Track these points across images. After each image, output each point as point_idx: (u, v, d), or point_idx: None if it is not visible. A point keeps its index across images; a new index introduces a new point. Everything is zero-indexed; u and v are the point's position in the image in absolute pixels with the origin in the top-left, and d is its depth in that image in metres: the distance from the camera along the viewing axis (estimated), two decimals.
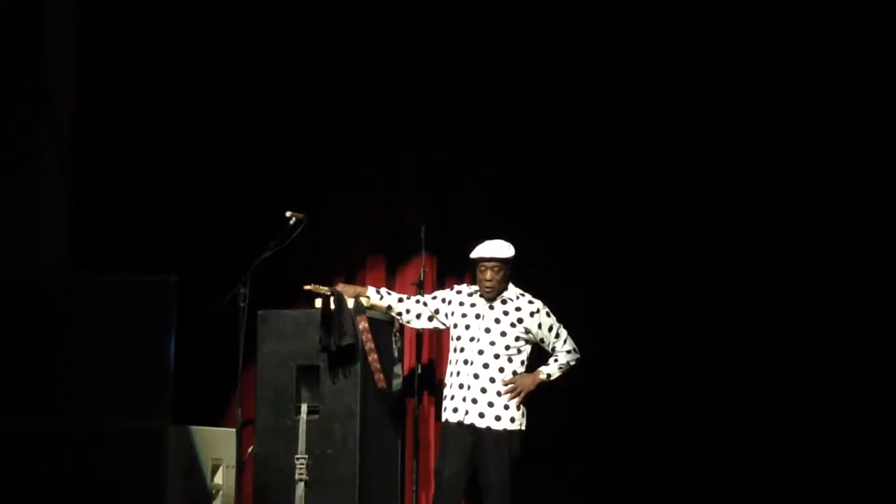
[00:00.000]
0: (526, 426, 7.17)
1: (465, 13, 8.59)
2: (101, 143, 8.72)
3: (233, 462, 7.75)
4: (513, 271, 7.24)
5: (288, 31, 8.79)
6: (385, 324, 7.65)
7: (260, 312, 7.57)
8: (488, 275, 7.19)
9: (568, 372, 7.25)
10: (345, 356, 7.37)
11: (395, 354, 7.57)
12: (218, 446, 7.92)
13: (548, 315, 7.25)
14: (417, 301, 7.47)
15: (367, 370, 7.40)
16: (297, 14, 8.77)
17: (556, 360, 7.23)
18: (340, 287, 7.41)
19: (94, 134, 8.69)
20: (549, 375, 7.20)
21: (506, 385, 7.11)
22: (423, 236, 7.99)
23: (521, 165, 8.41)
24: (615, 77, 8.40)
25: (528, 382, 7.16)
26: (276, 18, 8.80)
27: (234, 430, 7.57)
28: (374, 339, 7.43)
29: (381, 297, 7.45)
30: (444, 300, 7.39)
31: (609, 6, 8.40)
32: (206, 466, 7.86)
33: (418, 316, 7.43)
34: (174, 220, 8.75)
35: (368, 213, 8.62)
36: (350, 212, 8.66)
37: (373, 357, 7.40)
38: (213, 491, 7.93)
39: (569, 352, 7.24)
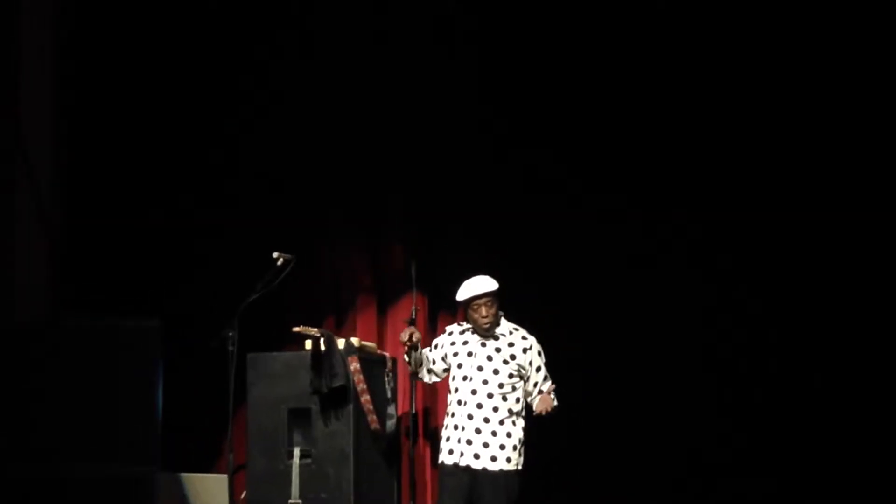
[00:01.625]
0: (523, 465, 7.04)
1: (451, 40, 8.55)
2: (80, 184, 8.63)
3: None
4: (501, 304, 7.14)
5: (264, 60, 8.73)
6: (377, 364, 7.56)
7: (249, 355, 7.49)
8: (484, 311, 7.08)
9: (380, 373, 7.12)
10: (336, 398, 7.29)
11: (388, 395, 7.48)
12: (209, 493, 7.80)
13: (539, 354, 7.15)
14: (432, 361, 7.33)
15: (359, 411, 7.31)
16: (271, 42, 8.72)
17: (550, 394, 7.07)
18: (546, 406, 7.09)
19: (73, 174, 8.62)
20: (554, 399, 7.06)
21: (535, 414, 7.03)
22: (413, 273, 7.87)
23: (507, 199, 8.34)
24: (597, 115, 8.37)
25: (549, 406, 7.02)
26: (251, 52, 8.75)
27: (225, 476, 7.43)
28: (367, 380, 7.35)
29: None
30: (437, 346, 7.28)
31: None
32: None
33: (433, 372, 7.29)
34: (160, 264, 8.62)
35: (357, 253, 8.53)
36: (338, 252, 8.57)
37: (365, 398, 7.32)
38: None
39: (554, 388, 7.11)
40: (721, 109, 8.23)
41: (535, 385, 7.09)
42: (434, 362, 7.23)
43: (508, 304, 7.27)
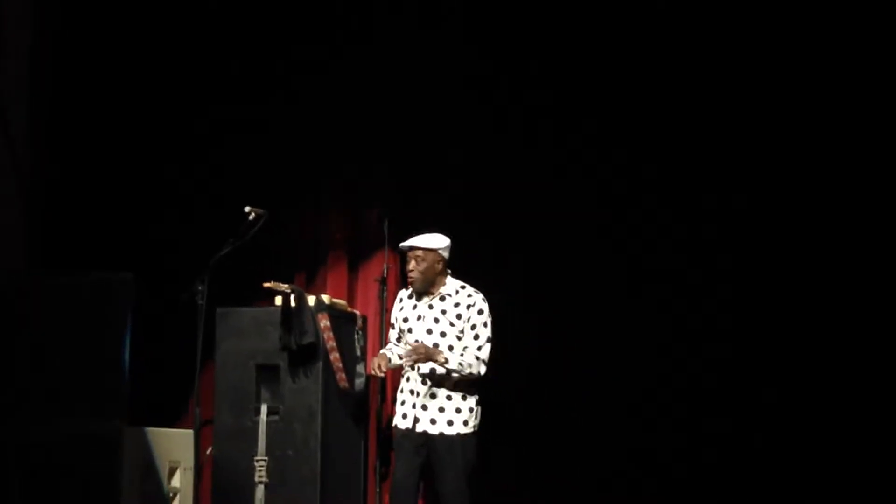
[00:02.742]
0: (479, 428, 6.98)
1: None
2: (56, 140, 8.56)
3: (191, 464, 7.57)
4: (444, 264, 7.05)
5: (253, 30, 8.64)
6: (347, 321, 7.52)
7: (219, 310, 7.43)
8: (411, 264, 7.03)
9: (461, 375, 6.90)
10: (305, 355, 7.23)
11: (358, 353, 7.45)
12: (175, 448, 7.76)
13: (479, 313, 6.97)
14: (398, 339, 7.23)
15: (328, 369, 7.26)
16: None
17: (461, 355, 6.92)
18: (420, 348, 6.95)
19: (49, 132, 8.53)
20: (446, 360, 6.88)
21: (407, 351, 6.90)
22: (386, 231, 7.85)
23: (484, 163, 8.28)
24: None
25: (426, 353, 6.89)
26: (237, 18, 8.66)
27: (191, 431, 7.37)
28: (336, 338, 7.30)
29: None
30: (393, 326, 7.23)
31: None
32: (163, 469, 7.70)
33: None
34: (132, 218, 8.59)
35: (330, 210, 8.48)
36: (311, 208, 8.52)
37: (334, 356, 7.27)
38: (171, 494, 7.76)
39: (477, 358, 6.92)
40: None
41: (465, 347, 6.94)
42: (399, 337, 7.19)
43: (481, 272, 7.27)
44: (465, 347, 6.93)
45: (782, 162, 8.01)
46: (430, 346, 6.92)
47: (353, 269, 8.35)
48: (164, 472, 7.69)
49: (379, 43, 8.48)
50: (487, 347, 6.95)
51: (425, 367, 6.92)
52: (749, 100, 8.05)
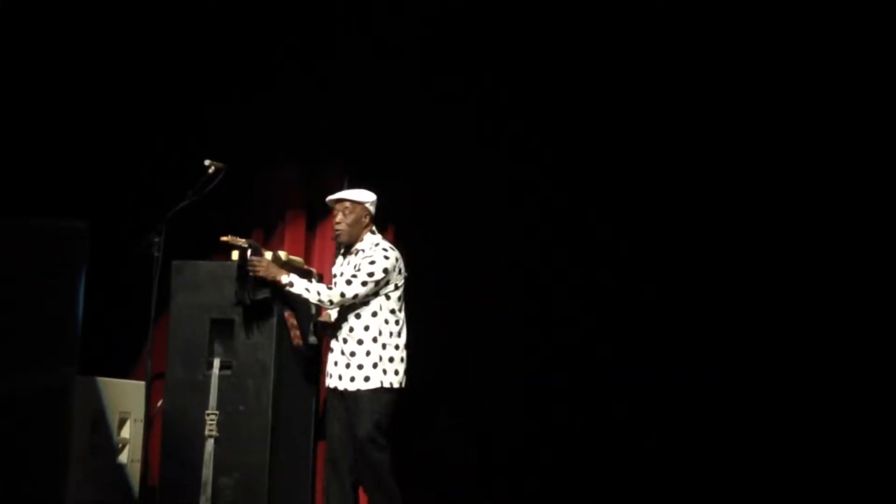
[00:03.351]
0: (397, 382, 6.94)
1: None
2: (13, 78, 8.43)
3: (141, 416, 7.55)
4: (370, 219, 7.06)
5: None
6: (303, 277, 7.49)
7: (174, 263, 7.38)
8: (338, 217, 7.04)
9: (307, 301, 6.97)
10: (260, 310, 7.20)
11: (312, 311, 7.41)
12: (126, 399, 7.74)
13: (371, 263, 6.89)
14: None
15: (282, 325, 7.24)
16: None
17: (314, 282, 6.99)
18: (262, 264, 7.07)
19: (6, 72, 8.41)
20: (291, 283, 6.92)
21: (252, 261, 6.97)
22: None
23: (441, 128, 8.33)
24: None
25: (266, 272, 6.97)
26: None
27: (143, 383, 7.36)
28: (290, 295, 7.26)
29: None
30: (332, 276, 7.25)
31: None
32: (114, 419, 7.69)
33: None
34: (89, 168, 8.51)
35: (290, 167, 8.47)
36: (271, 164, 8.49)
37: (289, 313, 7.25)
38: (120, 445, 7.76)
39: (330, 289, 6.93)
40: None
41: (333, 279, 6.98)
42: None
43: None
44: (334, 280, 7.00)
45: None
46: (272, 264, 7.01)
47: (311, 226, 8.36)
48: (114, 423, 7.67)
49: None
50: (352, 286, 6.87)
51: (337, 323, 6.98)
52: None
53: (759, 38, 8.06)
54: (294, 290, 6.93)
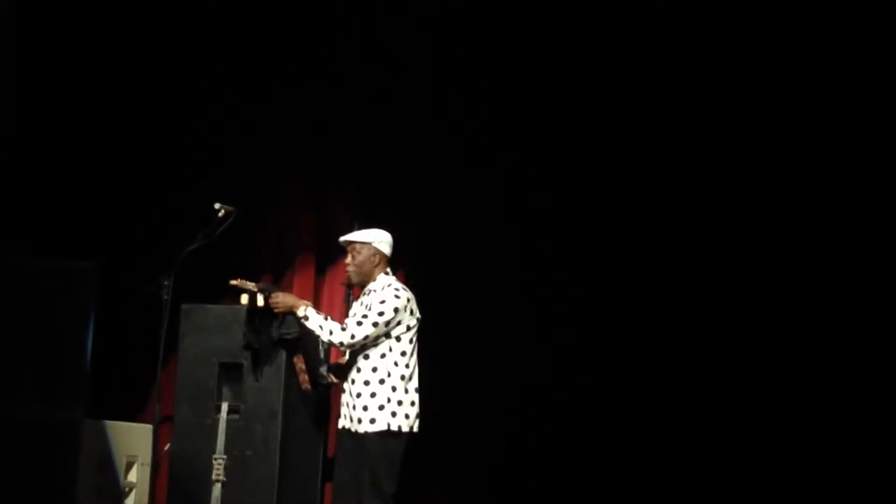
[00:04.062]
0: (406, 426, 6.84)
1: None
2: (22, 117, 8.46)
3: (148, 459, 7.54)
4: (382, 258, 7.02)
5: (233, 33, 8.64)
6: None
7: (183, 306, 7.38)
8: (348, 258, 7.04)
9: (319, 338, 6.92)
10: (268, 355, 7.19)
11: (322, 356, 7.40)
12: (133, 443, 7.73)
13: (381, 303, 6.84)
14: None
15: (291, 370, 7.22)
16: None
17: (327, 320, 6.92)
18: (279, 296, 7.11)
19: (13, 107, 8.44)
20: (306, 317, 6.90)
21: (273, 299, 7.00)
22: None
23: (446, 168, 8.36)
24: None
25: (284, 300, 7.00)
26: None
27: (150, 426, 7.35)
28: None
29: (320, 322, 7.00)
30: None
31: None
32: (121, 463, 7.67)
33: None
34: (101, 209, 8.54)
35: (299, 211, 8.49)
36: (281, 209, 8.52)
37: (297, 357, 7.23)
38: (127, 489, 7.73)
39: (343, 329, 6.83)
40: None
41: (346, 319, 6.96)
42: None
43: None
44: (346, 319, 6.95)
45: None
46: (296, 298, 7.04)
47: (321, 271, 8.38)
48: (121, 466, 7.66)
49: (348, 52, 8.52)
50: (363, 326, 6.80)
51: (348, 364, 6.96)
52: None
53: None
54: (309, 324, 6.92)
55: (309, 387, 7.27)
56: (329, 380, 7.26)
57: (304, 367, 7.25)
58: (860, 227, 7.92)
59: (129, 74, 8.65)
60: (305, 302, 7.03)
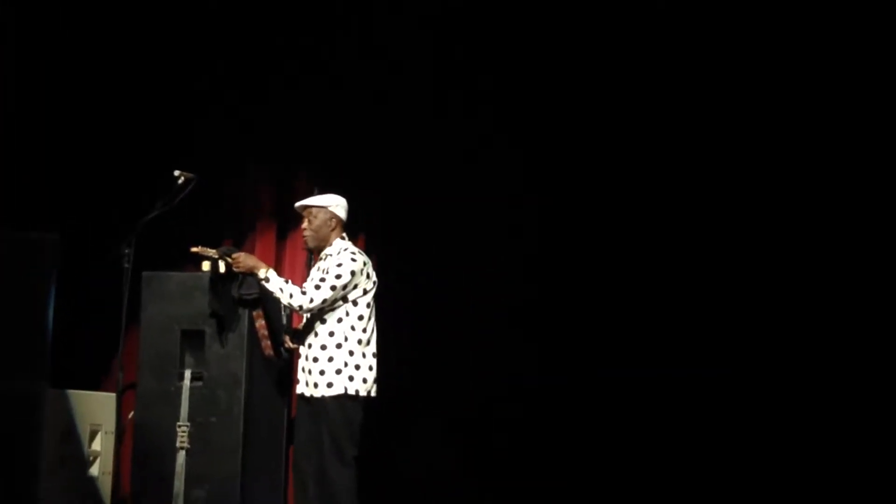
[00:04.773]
0: (364, 390, 6.88)
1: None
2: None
3: (112, 428, 7.55)
4: (338, 223, 7.06)
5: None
6: None
7: (144, 274, 7.35)
8: (304, 223, 7.07)
9: (279, 301, 6.95)
10: (231, 321, 7.18)
11: (284, 321, 7.40)
12: (97, 411, 7.71)
13: (338, 265, 6.86)
14: None
15: (253, 336, 7.22)
16: None
17: (289, 283, 6.92)
18: (240, 256, 7.11)
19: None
20: (267, 279, 6.89)
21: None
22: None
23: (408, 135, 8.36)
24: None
25: (245, 261, 7.01)
26: None
27: (114, 394, 7.36)
28: (263, 305, 7.25)
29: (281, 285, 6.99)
30: None
31: None
32: (84, 432, 7.65)
33: None
34: (60, 175, 8.47)
35: (260, 176, 8.47)
36: (241, 173, 8.49)
37: (260, 323, 7.23)
38: (91, 457, 7.72)
39: (303, 293, 6.84)
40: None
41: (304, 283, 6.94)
42: None
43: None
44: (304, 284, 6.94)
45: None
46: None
47: (282, 237, 8.36)
48: (84, 435, 7.64)
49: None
50: (321, 290, 6.82)
51: (304, 328, 6.98)
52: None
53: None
54: (269, 286, 6.91)
55: (272, 353, 7.28)
56: (287, 345, 7.27)
57: (266, 333, 7.25)
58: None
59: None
60: (266, 265, 7.03)
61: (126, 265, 7.02)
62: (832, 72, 8.00)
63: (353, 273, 6.87)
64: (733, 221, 8.11)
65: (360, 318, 6.94)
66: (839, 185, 7.98)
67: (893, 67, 7.92)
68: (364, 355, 6.92)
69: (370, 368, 6.94)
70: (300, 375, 7.03)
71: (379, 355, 6.99)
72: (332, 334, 6.90)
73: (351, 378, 6.86)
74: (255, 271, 6.96)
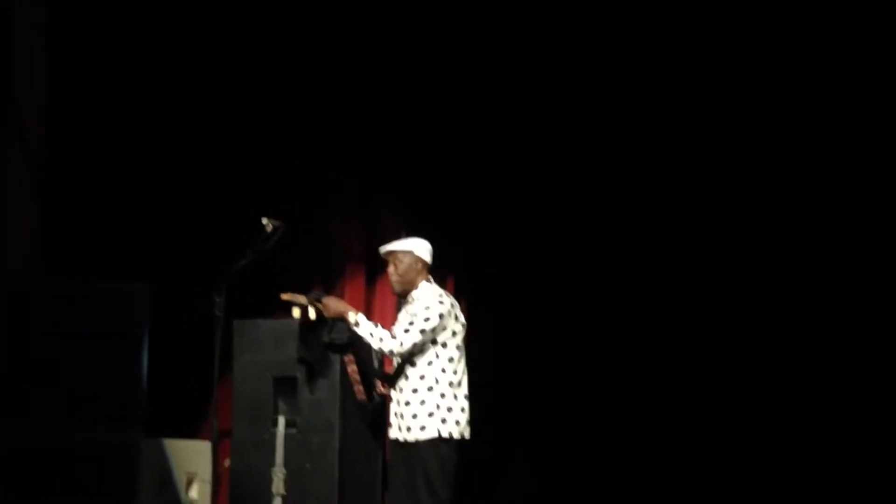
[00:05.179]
0: (458, 433, 6.85)
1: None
2: (73, 140, 8.56)
3: (208, 476, 7.56)
4: (424, 267, 7.02)
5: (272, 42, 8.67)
6: None
7: (235, 322, 7.38)
8: (390, 268, 7.05)
9: (371, 346, 6.91)
10: (323, 367, 7.20)
11: (375, 364, 7.40)
12: (193, 459, 7.77)
13: (426, 309, 6.85)
14: None
15: (346, 381, 7.22)
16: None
17: (379, 327, 6.90)
18: (330, 301, 7.12)
19: (65, 130, 8.55)
20: (357, 323, 6.88)
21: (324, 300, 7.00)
22: None
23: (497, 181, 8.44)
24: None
25: (335, 306, 6.98)
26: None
27: (209, 442, 7.37)
28: (354, 350, 7.25)
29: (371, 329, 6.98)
30: None
31: None
32: (181, 480, 7.72)
33: None
34: (150, 227, 8.59)
35: (348, 221, 8.52)
36: (330, 219, 8.54)
37: (352, 368, 7.24)
38: None
39: (393, 337, 6.83)
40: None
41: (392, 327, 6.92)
42: None
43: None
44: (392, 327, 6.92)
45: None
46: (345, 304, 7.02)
47: (371, 280, 8.40)
48: (181, 484, 7.71)
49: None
50: (410, 333, 6.81)
51: (394, 372, 6.97)
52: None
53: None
54: (359, 330, 6.91)
55: (364, 397, 7.28)
56: (379, 389, 7.27)
57: (358, 377, 7.26)
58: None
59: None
60: (356, 310, 7.04)
61: (217, 313, 7.06)
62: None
63: (440, 315, 6.87)
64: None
65: (451, 360, 6.92)
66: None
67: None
68: (456, 397, 6.90)
69: (462, 410, 6.91)
70: (393, 420, 7.02)
71: (471, 397, 6.96)
72: (422, 377, 6.89)
73: (444, 421, 6.84)
74: (345, 316, 6.96)
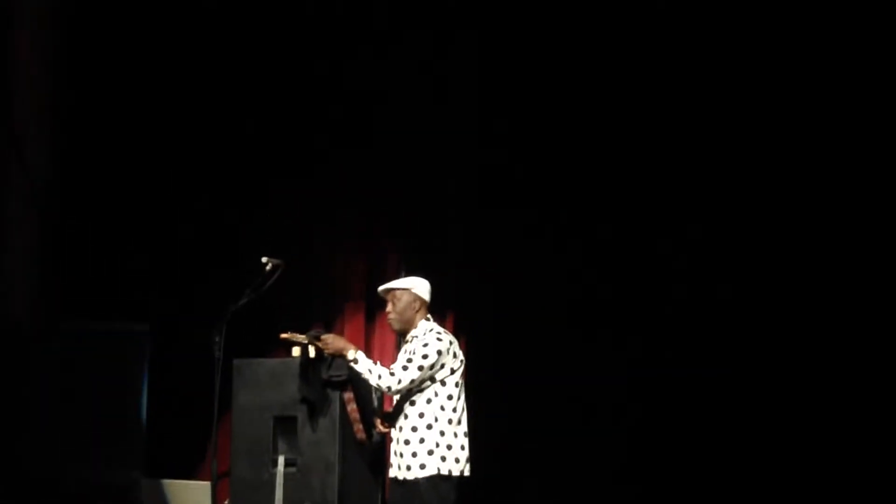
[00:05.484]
0: (457, 470, 6.81)
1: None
2: (74, 185, 8.57)
3: None
4: (422, 305, 6.99)
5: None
6: None
7: (235, 362, 7.38)
8: (388, 307, 7.03)
9: (370, 385, 6.89)
10: (323, 407, 7.18)
11: (375, 404, 7.39)
12: (192, 500, 7.73)
13: (424, 346, 6.82)
14: None
15: (345, 420, 7.21)
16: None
17: (377, 365, 6.88)
18: (329, 338, 7.14)
19: (68, 173, 8.54)
20: (356, 360, 6.86)
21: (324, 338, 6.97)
22: None
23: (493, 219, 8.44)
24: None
25: (335, 343, 6.97)
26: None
27: (208, 483, 7.36)
28: (354, 389, 7.24)
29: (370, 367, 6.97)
30: None
31: None
32: None
33: None
34: (147, 266, 8.57)
35: (347, 260, 8.52)
36: (329, 258, 8.54)
37: (351, 407, 7.22)
38: None
39: (391, 374, 6.79)
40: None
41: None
42: None
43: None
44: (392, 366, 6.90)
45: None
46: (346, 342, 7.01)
47: (371, 319, 8.39)
48: None
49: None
50: (409, 371, 6.78)
51: (393, 410, 6.95)
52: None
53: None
54: (357, 367, 6.90)
55: (364, 436, 7.26)
56: (378, 428, 7.25)
57: (358, 416, 7.24)
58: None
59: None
60: (355, 347, 7.03)
61: (217, 353, 7.05)
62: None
63: (439, 352, 6.85)
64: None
65: (450, 397, 6.90)
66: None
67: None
68: (455, 434, 6.87)
69: (462, 448, 6.88)
70: (392, 459, 7.00)
71: (471, 434, 6.94)
72: (422, 415, 6.87)
73: (443, 458, 6.81)
74: (344, 353, 6.95)
